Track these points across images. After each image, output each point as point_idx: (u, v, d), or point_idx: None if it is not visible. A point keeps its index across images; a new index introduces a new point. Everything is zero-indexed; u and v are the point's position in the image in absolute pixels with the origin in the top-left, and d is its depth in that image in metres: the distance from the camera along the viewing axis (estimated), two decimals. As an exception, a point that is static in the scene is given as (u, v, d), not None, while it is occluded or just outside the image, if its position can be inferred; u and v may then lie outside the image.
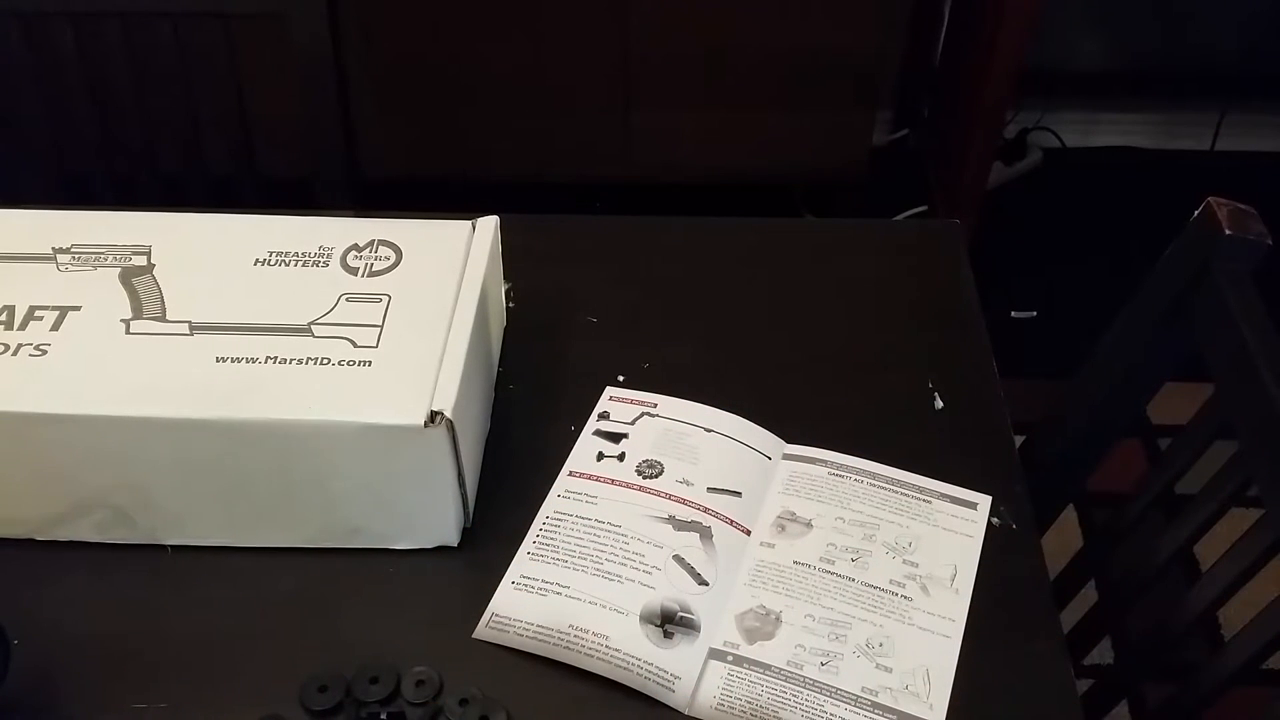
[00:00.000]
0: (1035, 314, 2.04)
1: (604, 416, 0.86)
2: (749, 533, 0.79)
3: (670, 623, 0.73)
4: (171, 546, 0.77)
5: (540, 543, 0.78)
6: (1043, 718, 0.72)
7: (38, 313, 0.76)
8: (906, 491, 0.82)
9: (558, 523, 0.79)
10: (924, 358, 0.90)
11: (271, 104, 1.26)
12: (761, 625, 0.74)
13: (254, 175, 1.27)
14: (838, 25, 1.85)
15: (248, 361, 0.74)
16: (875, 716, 0.70)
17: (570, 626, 0.73)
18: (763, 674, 0.72)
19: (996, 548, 0.79)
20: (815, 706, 0.70)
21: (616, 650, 0.72)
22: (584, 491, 0.80)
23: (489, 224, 0.84)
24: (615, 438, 0.84)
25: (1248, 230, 0.79)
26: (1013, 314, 2.04)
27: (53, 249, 0.81)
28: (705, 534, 0.78)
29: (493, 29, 1.85)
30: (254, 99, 1.23)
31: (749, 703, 0.70)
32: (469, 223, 0.84)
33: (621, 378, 0.88)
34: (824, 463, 0.83)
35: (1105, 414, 0.92)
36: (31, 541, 0.77)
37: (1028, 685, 0.73)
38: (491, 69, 1.89)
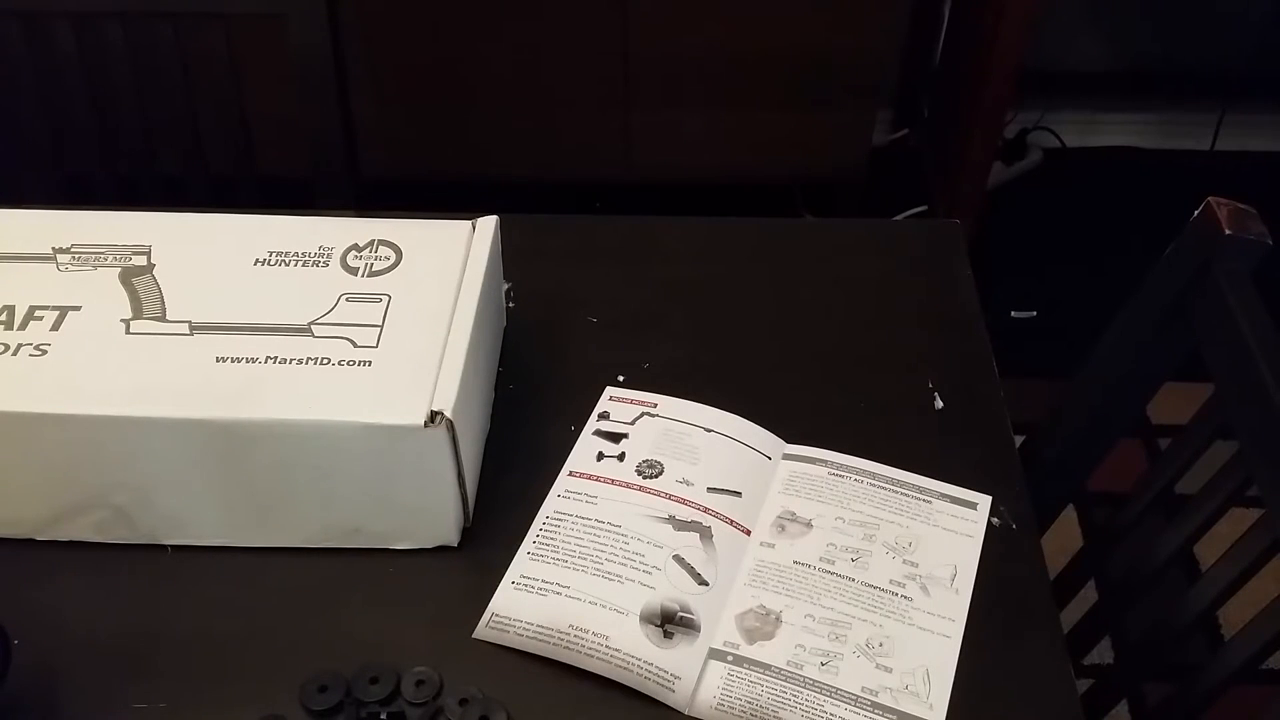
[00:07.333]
0: (1035, 314, 2.04)
1: (604, 416, 0.86)
2: (749, 533, 0.79)
3: (670, 623, 0.73)
4: (171, 546, 0.77)
5: (540, 543, 0.78)
6: (1043, 718, 0.72)
7: (38, 313, 0.76)
8: (906, 491, 0.82)
9: (558, 523, 0.79)
10: (924, 358, 0.90)
11: (271, 104, 1.26)
12: (761, 625, 0.74)
13: (254, 175, 1.27)
14: (837, 25, 1.84)
15: (248, 361, 0.74)
16: (875, 716, 0.70)
17: (570, 626, 0.73)
18: (763, 674, 0.72)
19: (996, 548, 0.79)
20: (815, 706, 0.70)
21: (616, 650, 0.72)
22: (584, 491, 0.80)
23: (489, 224, 0.84)
24: (615, 438, 0.84)
25: (1248, 230, 0.79)
26: (1013, 314, 2.04)
27: (53, 249, 0.81)
28: (705, 534, 0.78)
29: (493, 29, 1.85)
30: (254, 99, 1.23)
31: (749, 703, 0.70)
32: (469, 223, 0.84)
33: (621, 378, 0.88)
34: (824, 463, 0.83)
35: (1105, 414, 0.92)
36: (31, 541, 0.77)
37: (1028, 685, 0.73)
38: (491, 69, 1.89)
